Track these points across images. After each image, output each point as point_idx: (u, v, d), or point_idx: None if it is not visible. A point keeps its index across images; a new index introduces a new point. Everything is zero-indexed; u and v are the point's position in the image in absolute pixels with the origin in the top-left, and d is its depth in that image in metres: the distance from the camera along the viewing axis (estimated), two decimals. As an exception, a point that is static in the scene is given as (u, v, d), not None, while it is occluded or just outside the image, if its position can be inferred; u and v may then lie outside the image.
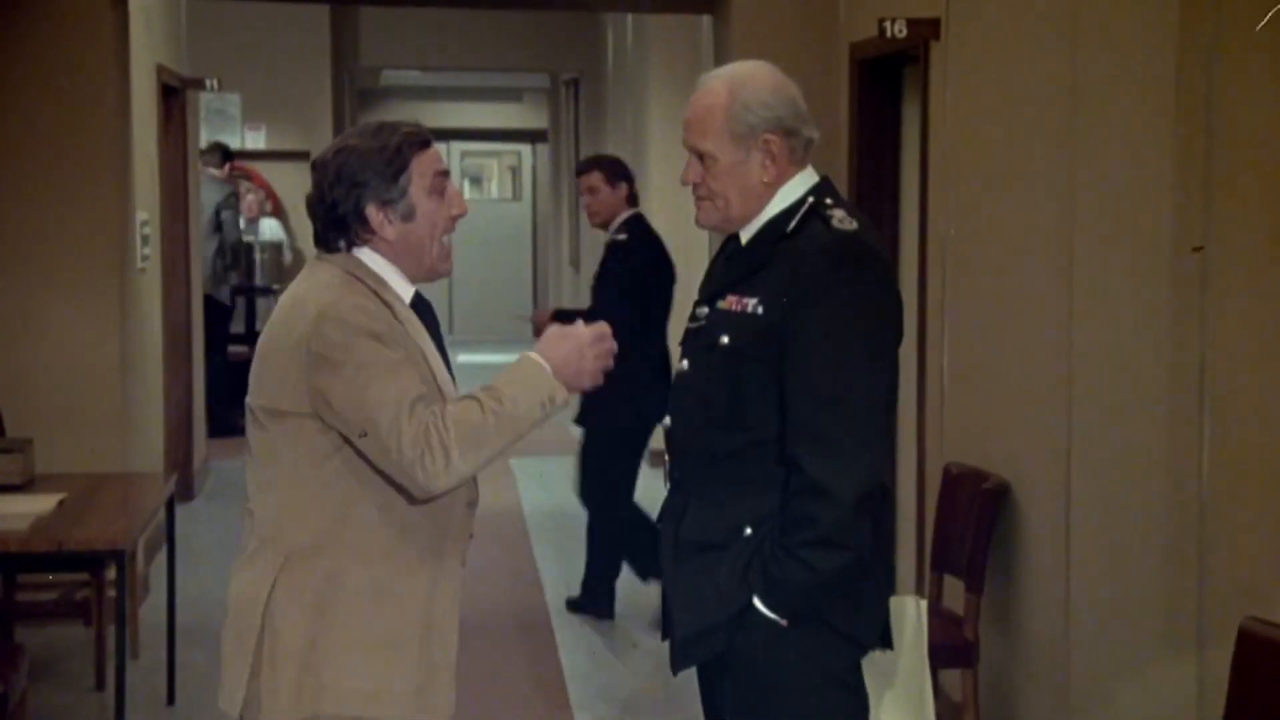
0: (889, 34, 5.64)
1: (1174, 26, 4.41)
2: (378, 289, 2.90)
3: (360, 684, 2.86)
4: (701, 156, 3.00)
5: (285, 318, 2.89)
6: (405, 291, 2.97)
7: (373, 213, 2.90)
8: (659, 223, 10.56)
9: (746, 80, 2.98)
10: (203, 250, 11.04)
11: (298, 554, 2.87)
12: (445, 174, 2.97)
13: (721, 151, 2.97)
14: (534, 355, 2.88)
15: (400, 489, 2.84)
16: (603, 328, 2.93)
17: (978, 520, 4.87)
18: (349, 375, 2.78)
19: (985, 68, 5.20)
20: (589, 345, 2.89)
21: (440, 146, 3.01)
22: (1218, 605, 4.31)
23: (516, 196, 20.53)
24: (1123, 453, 4.50)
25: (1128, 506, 4.50)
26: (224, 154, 11.52)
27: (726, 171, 2.98)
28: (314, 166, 2.96)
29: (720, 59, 7.51)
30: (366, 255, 2.94)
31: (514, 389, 2.83)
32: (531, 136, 19.93)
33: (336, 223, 2.92)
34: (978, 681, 4.86)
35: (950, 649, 4.77)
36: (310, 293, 2.88)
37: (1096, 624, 4.53)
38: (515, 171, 20.67)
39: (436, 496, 2.83)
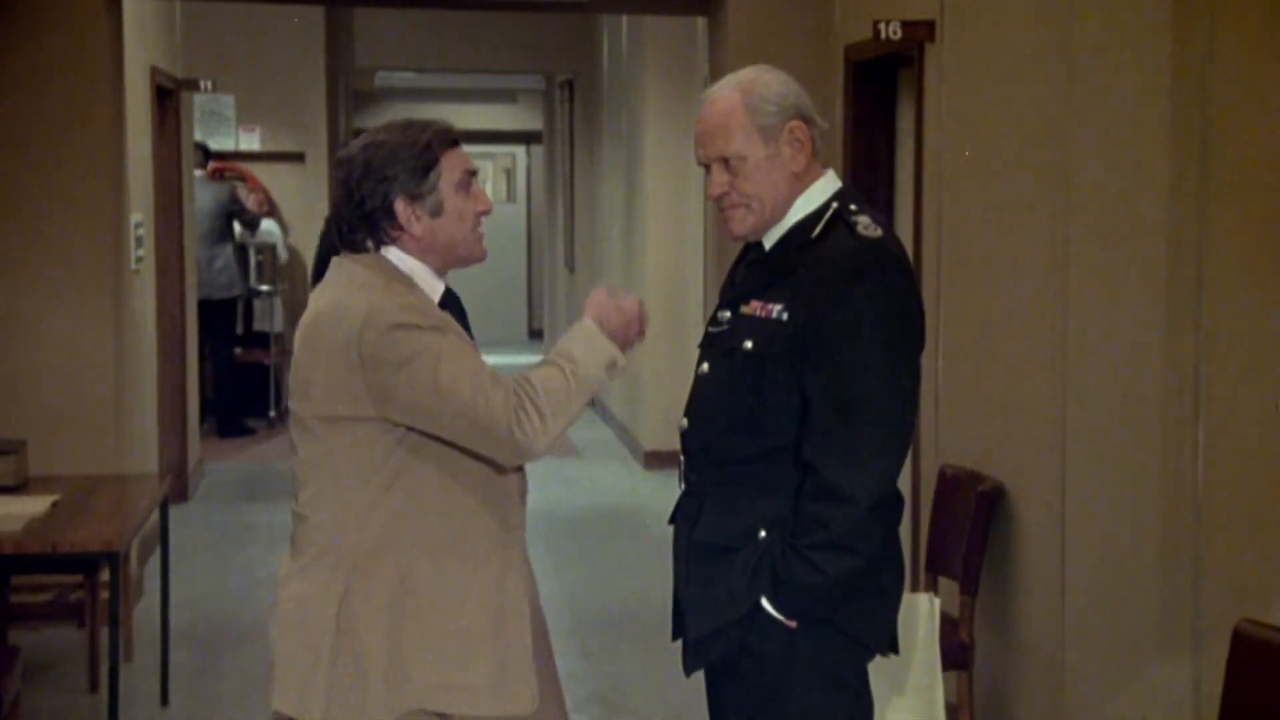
0: (884, 36, 5.64)
1: (1169, 29, 4.41)
2: (408, 289, 2.90)
3: (442, 678, 2.88)
4: (727, 162, 2.97)
5: (325, 322, 2.86)
6: (435, 290, 2.97)
7: (401, 207, 2.90)
8: (654, 224, 10.62)
9: (754, 79, 2.98)
10: (207, 253, 11.18)
11: (364, 557, 2.87)
12: (473, 173, 2.97)
13: (751, 149, 2.95)
14: (590, 322, 2.93)
15: (488, 462, 2.86)
16: (641, 305, 3.00)
17: (973, 522, 4.87)
18: (415, 366, 2.78)
19: (980, 70, 5.21)
20: (634, 321, 2.98)
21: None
22: (1213, 607, 4.31)
23: (511, 198, 20.52)
24: (1118, 455, 4.50)
25: (1123, 509, 4.50)
26: (205, 154, 11.55)
27: (759, 169, 2.96)
28: (339, 163, 2.95)
29: (715, 61, 7.51)
30: (394, 255, 2.93)
31: (583, 352, 2.88)
32: (526, 138, 19.93)
33: (364, 219, 2.91)
34: (973, 683, 4.86)
35: (945, 651, 4.75)
36: (349, 296, 2.86)
37: (1092, 626, 4.53)
38: (510, 173, 20.67)
39: (533, 458, 2.85)
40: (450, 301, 3.00)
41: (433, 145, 2.91)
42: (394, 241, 2.93)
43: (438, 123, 2.95)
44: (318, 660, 2.89)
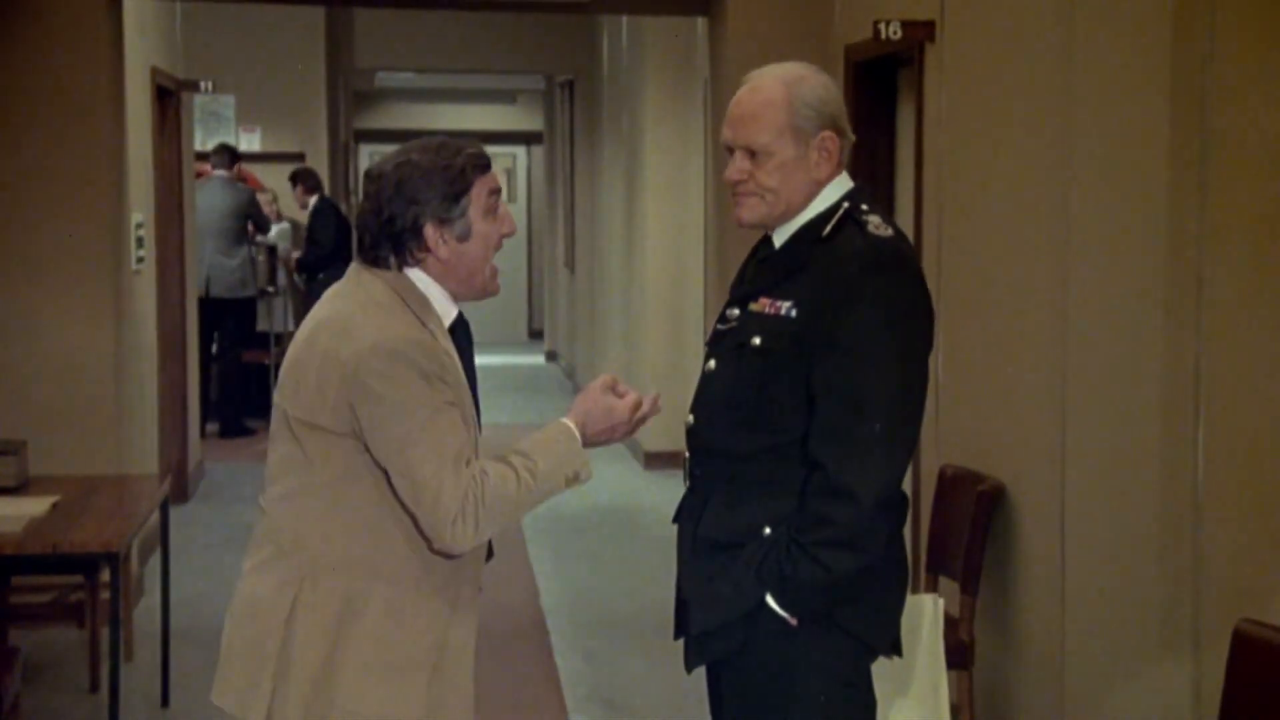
0: (884, 36, 5.64)
1: (1168, 28, 4.41)
2: (422, 314, 2.87)
3: (369, 709, 2.85)
4: (753, 153, 2.97)
5: (332, 330, 2.84)
6: (448, 313, 2.94)
7: (430, 231, 2.87)
8: (654, 223, 10.63)
9: (801, 78, 2.98)
10: (224, 252, 11.24)
11: (321, 569, 2.85)
12: (498, 192, 2.95)
13: (780, 147, 2.95)
14: (572, 425, 2.91)
15: (419, 529, 2.84)
16: (645, 402, 2.98)
17: (973, 522, 4.87)
18: (396, 416, 2.76)
19: (980, 70, 5.21)
20: (624, 422, 2.95)
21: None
22: (1213, 607, 4.32)
23: (511, 199, 20.52)
24: (1118, 455, 4.50)
25: (1123, 508, 4.50)
26: (231, 155, 11.59)
27: (782, 168, 2.96)
28: (369, 176, 2.92)
29: (715, 61, 7.52)
30: (416, 275, 2.91)
31: (548, 463, 2.86)
32: (526, 139, 19.94)
33: (392, 238, 2.88)
34: (973, 683, 4.86)
35: (946, 650, 4.74)
36: (363, 312, 2.84)
37: (1092, 626, 4.53)
38: (510, 174, 20.68)
39: (449, 554, 2.83)
40: (459, 326, 2.98)
41: (467, 171, 2.89)
42: (418, 263, 2.90)
43: (470, 145, 2.93)
44: (263, 664, 2.87)
